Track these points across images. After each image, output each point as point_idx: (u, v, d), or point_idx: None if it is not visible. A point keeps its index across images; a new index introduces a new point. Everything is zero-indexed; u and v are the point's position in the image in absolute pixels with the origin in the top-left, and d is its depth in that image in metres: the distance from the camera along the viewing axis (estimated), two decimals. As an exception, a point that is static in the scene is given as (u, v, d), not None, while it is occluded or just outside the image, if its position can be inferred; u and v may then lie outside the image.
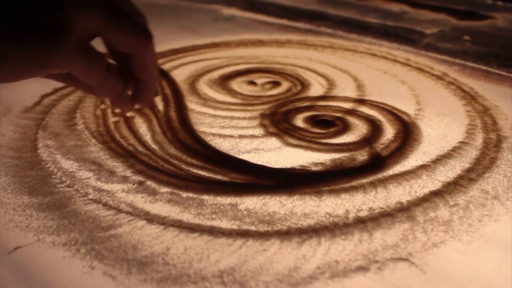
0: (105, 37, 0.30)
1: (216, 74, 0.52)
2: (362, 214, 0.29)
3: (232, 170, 0.34)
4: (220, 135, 0.39)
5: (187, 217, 0.29)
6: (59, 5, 0.26)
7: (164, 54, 0.58)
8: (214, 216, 0.29)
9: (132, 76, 0.33)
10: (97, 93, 0.37)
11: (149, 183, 0.32)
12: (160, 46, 0.57)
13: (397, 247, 0.27)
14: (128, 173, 0.33)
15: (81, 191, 0.31)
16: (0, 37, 0.24)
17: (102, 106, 0.43)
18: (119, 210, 0.29)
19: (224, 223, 0.28)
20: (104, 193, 0.31)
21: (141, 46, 0.31)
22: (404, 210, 0.30)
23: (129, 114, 0.42)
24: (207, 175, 0.33)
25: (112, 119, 0.41)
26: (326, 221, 0.29)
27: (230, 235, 0.27)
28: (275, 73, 0.53)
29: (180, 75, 0.51)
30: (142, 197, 0.31)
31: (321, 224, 0.28)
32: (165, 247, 0.26)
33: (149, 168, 0.34)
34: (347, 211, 0.29)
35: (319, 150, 0.37)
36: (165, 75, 0.51)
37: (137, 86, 0.34)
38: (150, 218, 0.29)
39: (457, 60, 0.57)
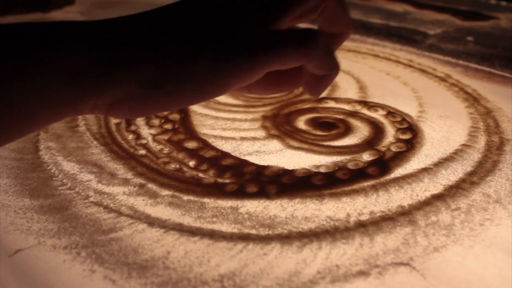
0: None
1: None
2: (363, 217, 0.29)
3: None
4: (222, 137, 0.39)
5: (188, 220, 0.29)
6: None
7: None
8: (215, 219, 0.29)
9: None
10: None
11: (150, 185, 0.32)
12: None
13: (398, 252, 0.26)
14: (129, 175, 0.33)
15: (82, 193, 0.31)
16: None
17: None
18: (120, 213, 0.29)
19: (225, 227, 0.28)
20: (105, 196, 0.31)
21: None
22: (405, 214, 0.29)
23: None
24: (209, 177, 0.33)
25: (113, 121, 0.41)
26: (327, 225, 0.28)
27: (231, 239, 0.27)
28: (277, 74, 0.52)
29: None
30: (143, 200, 0.31)
31: (322, 228, 0.28)
32: (166, 251, 0.26)
33: (150, 170, 0.34)
34: (348, 215, 0.29)
35: (320, 153, 0.36)
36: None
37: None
38: (151, 221, 0.29)
39: (460, 61, 0.57)
